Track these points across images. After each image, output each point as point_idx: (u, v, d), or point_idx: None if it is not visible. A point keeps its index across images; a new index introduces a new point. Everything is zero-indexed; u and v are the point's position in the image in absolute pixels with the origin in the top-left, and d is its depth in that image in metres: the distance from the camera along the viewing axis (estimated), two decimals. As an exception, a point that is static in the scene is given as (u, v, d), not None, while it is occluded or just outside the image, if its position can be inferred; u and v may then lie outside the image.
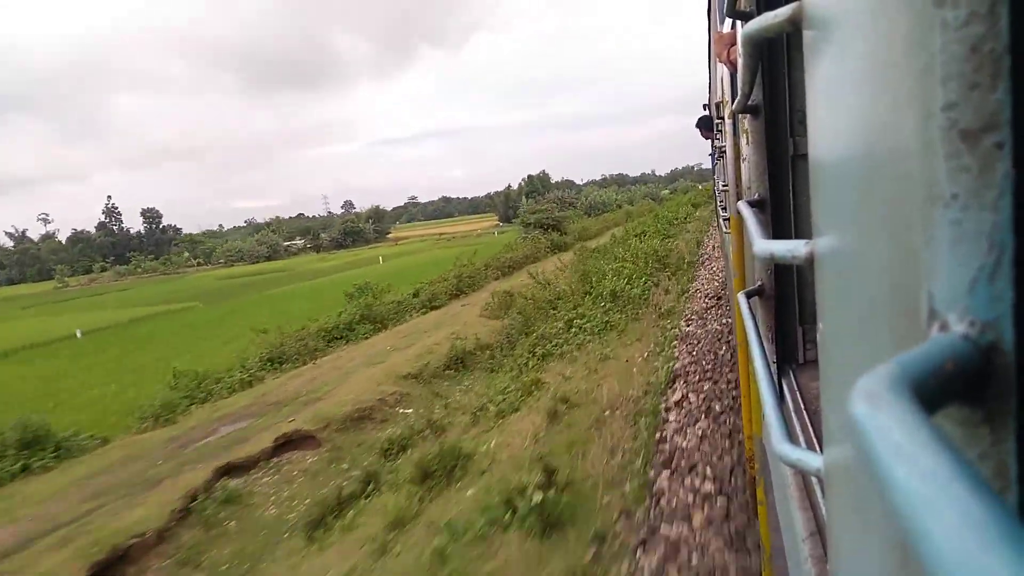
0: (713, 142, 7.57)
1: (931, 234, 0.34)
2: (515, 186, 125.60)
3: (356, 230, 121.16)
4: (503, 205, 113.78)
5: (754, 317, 1.69)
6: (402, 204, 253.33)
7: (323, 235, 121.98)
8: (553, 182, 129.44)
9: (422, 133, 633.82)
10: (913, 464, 0.25)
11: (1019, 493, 0.31)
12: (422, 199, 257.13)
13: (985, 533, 0.21)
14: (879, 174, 0.45)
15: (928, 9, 0.32)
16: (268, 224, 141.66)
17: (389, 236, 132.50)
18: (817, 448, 1.29)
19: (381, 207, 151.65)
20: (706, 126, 9.27)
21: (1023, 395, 0.30)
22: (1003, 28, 0.29)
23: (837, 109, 0.58)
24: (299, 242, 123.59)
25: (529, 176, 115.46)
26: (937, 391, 0.30)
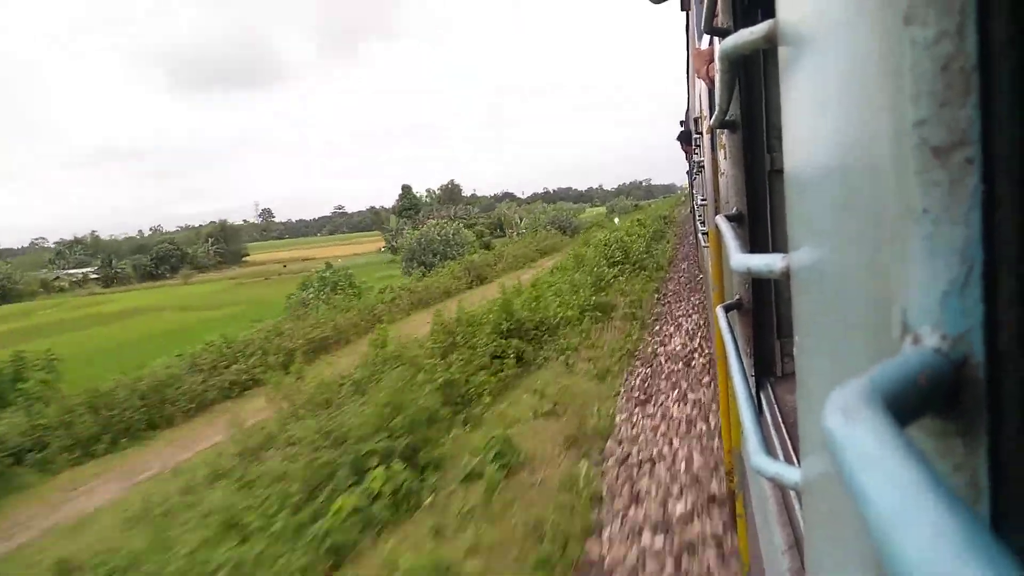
0: (692, 157, 7.66)
1: (903, 248, 0.34)
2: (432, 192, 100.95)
3: (177, 255, 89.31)
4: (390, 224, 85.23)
5: (732, 330, 1.70)
6: (328, 214, 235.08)
7: (118, 263, 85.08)
8: (466, 195, 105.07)
9: (369, 140, 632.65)
10: (885, 476, 0.25)
11: (991, 505, 0.31)
12: (350, 209, 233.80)
13: (957, 545, 0.21)
14: (852, 189, 0.45)
15: (898, 28, 0.33)
16: (72, 243, 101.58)
17: (246, 259, 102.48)
18: (795, 461, 1.30)
19: (231, 222, 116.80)
20: (686, 140, 9.39)
21: (994, 408, 0.31)
22: (971, 46, 0.30)
23: (811, 125, 0.59)
24: (79, 272, 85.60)
25: (404, 187, 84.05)
26: (910, 404, 0.31)
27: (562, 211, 63.37)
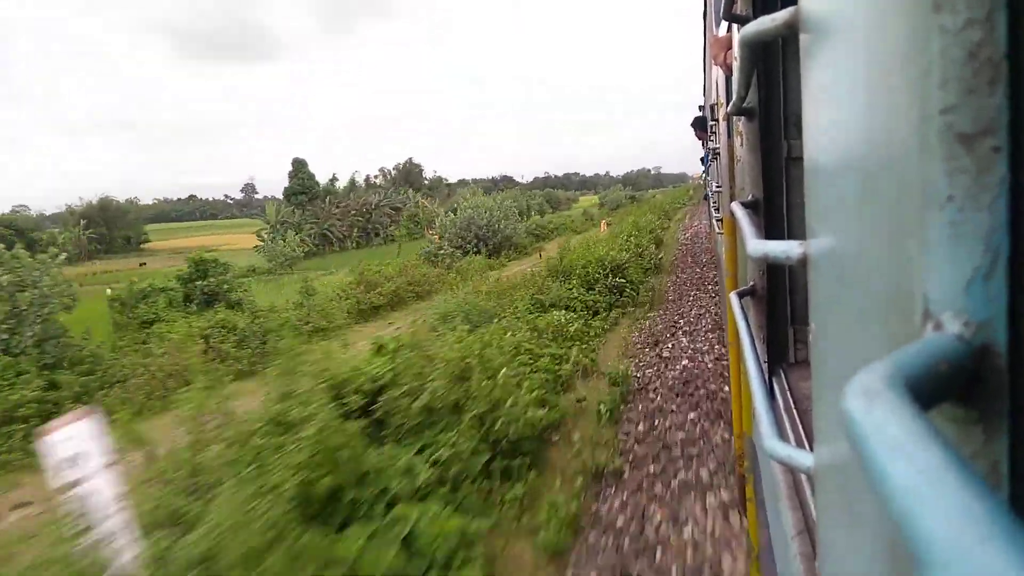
0: (707, 143, 7.59)
1: (927, 235, 0.34)
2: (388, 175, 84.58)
3: (20, 241, 33.04)
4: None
5: (746, 317, 1.70)
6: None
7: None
8: (429, 178, 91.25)
9: (386, 115, 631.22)
10: (908, 459, 0.25)
11: (1010, 491, 0.31)
12: (339, 185, 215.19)
13: (980, 527, 0.21)
14: (875, 176, 0.45)
15: (927, 14, 0.33)
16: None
17: (145, 247, 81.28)
18: (807, 447, 1.30)
19: (117, 199, 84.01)
20: (700, 127, 9.29)
21: (1015, 395, 0.31)
22: (1000, 34, 0.30)
23: (833, 112, 0.59)
24: None
25: (296, 162, 62.60)
26: (931, 390, 0.31)
27: (483, 208, 32.34)
